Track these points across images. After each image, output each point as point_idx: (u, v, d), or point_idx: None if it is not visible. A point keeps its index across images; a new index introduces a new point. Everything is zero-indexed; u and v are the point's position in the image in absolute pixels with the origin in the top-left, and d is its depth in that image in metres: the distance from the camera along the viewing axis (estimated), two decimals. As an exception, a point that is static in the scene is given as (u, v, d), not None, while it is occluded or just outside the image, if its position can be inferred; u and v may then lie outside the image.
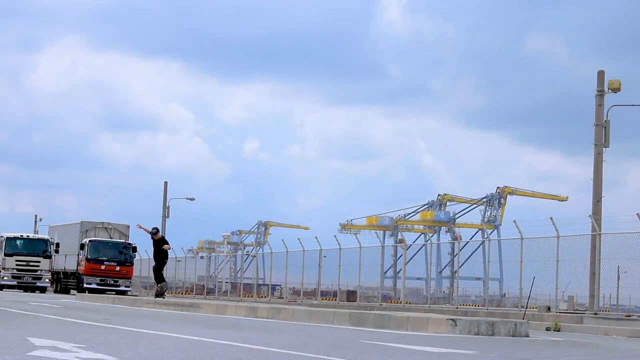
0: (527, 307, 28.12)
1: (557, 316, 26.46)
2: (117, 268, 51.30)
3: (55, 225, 64.21)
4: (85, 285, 50.07)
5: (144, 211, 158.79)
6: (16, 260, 50.46)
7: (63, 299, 35.57)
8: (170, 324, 14.45)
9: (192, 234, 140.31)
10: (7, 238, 51.20)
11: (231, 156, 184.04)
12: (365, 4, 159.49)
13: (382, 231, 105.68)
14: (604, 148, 32.59)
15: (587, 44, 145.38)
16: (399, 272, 66.69)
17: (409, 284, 48.67)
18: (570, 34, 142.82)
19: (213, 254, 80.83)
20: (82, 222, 56.50)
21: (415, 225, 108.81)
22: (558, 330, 23.06)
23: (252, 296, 52.67)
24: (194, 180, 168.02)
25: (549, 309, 29.02)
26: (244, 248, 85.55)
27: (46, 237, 54.42)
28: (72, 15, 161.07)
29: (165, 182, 66.11)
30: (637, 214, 26.02)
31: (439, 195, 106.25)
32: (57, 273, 58.82)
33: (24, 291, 50.74)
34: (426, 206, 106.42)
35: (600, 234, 28.90)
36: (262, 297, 52.84)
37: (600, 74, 33.28)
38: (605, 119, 32.85)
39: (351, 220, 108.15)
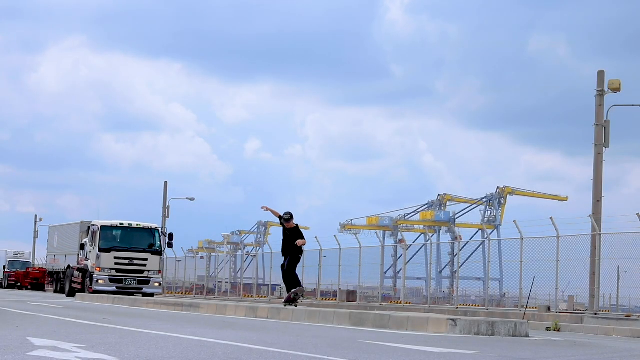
0: (527, 307, 28.11)
1: (557, 316, 26.45)
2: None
3: (55, 225, 64.21)
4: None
5: (145, 211, 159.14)
6: (115, 258, 37.42)
7: (63, 299, 35.58)
8: (170, 324, 14.44)
9: (192, 234, 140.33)
10: (103, 227, 38.11)
11: (232, 156, 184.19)
12: (367, 5, 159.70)
13: (382, 231, 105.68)
14: (604, 148, 32.59)
15: (588, 44, 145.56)
16: (399, 272, 66.71)
17: (409, 284, 48.59)
18: (571, 34, 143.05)
19: (213, 254, 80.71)
20: (82, 222, 56.41)
21: (415, 225, 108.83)
22: (558, 330, 23.05)
23: (252, 296, 52.66)
24: (195, 180, 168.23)
25: (549, 309, 29.02)
26: (244, 248, 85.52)
27: (155, 225, 39.41)
28: (74, 16, 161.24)
29: (165, 182, 66.13)
30: (637, 214, 26.01)
31: (439, 195, 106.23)
32: (57, 273, 58.80)
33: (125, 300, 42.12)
34: (426, 206, 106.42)
35: (600, 234, 28.90)
36: (262, 297, 52.82)
37: (600, 74, 33.27)
38: (605, 119, 32.85)
39: (351, 220, 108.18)
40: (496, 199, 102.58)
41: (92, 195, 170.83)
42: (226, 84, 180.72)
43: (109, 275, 36.89)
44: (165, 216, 65.16)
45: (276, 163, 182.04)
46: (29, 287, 66.22)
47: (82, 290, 37.87)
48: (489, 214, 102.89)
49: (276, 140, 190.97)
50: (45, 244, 66.85)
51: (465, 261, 46.79)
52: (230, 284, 66.43)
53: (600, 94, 32.94)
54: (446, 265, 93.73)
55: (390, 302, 45.50)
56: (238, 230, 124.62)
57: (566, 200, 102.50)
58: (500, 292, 54.09)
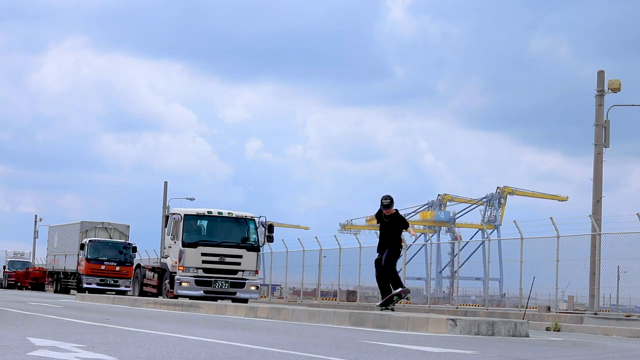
0: (527, 307, 28.13)
1: (557, 316, 26.46)
2: (117, 268, 51.29)
3: (56, 225, 64.27)
4: (85, 285, 50.07)
5: (146, 211, 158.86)
6: (203, 255, 29.53)
7: (63, 299, 35.59)
8: (170, 324, 14.44)
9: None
10: (187, 216, 29.72)
11: (233, 156, 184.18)
12: (369, 5, 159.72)
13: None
14: (604, 148, 32.61)
15: (590, 44, 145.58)
16: (399, 272, 66.69)
17: (409, 284, 48.56)
18: (573, 34, 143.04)
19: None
20: (82, 222, 56.54)
21: (415, 225, 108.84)
22: (558, 330, 23.05)
23: (252, 296, 52.60)
24: (196, 180, 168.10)
25: (549, 309, 29.03)
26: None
27: (250, 214, 30.63)
28: (75, 16, 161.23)
29: (165, 182, 66.19)
30: (637, 214, 26.03)
31: (439, 195, 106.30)
32: (57, 273, 58.88)
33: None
34: (426, 206, 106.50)
35: (600, 234, 28.92)
36: (262, 297, 52.83)
37: (600, 74, 33.28)
38: (605, 119, 32.86)
39: (351, 220, 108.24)
40: (496, 199, 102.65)
41: (93, 195, 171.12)
42: (227, 84, 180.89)
43: (194, 277, 29.09)
44: (165, 216, 65.20)
45: (277, 163, 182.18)
46: (29, 287, 66.27)
47: (157, 295, 30.55)
48: (489, 214, 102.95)
49: (277, 140, 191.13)
50: (45, 244, 66.98)
51: (465, 261, 46.82)
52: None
53: (600, 94, 32.96)
54: (446, 265, 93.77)
55: (390, 302, 45.45)
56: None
57: (566, 200, 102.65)
58: (500, 292, 54.13)
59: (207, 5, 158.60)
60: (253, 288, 30.00)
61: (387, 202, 17.19)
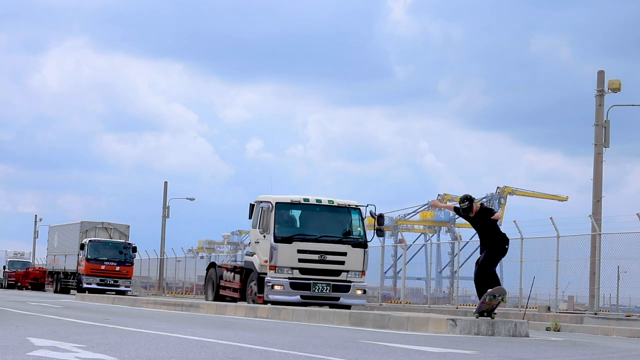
0: (527, 307, 28.12)
1: (557, 316, 26.46)
2: (117, 268, 51.28)
3: (56, 225, 64.27)
4: (85, 285, 50.05)
5: (146, 211, 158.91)
6: (299, 252, 24.35)
7: (63, 299, 35.59)
8: (170, 324, 14.45)
9: (192, 234, 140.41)
10: (280, 205, 24.79)
11: (234, 156, 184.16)
12: (370, 5, 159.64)
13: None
14: (604, 148, 32.61)
15: (591, 45, 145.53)
16: (399, 272, 66.67)
17: (409, 284, 48.54)
18: (574, 35, 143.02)
19: (213, 254, 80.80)
20: (82, 222, 56.54)
21: (415, 225, 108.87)
22: (558, 330, 23.06)
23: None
24: (197, 180, 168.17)
25: (549, 309, 29.03)
26: (244, 248, 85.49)
27: (354, 203, 25.60)
28: (76, 17, 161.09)
29: (165, 182, 66.15)
30: (637, 214, 26.03)
31: (439, 195, 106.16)
32: (57, 273, 58.87)
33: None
34: (426, 206, 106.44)
35: (600, 234, 28.92)
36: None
37: (600, 74, 33.27)
38: (605, 119, 32.86)
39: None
40: (496, 199, 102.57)
41: (93, 195, 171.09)
42: (228, 84, 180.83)
43: (289, 278, 24.12)
44: (165, 216, 65.25)
45: (277, 163, 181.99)
46: (29, 287, 66.28)
47: (239, 300, 25.74)
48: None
49: (278, 140, 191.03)
50: (45, 244, 66.98)
51: (465, 261, 46.76)
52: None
53: (600, 94, 32.95)
54: (446, 265, 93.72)
55: (390, 302, 45.50)
56: (238, 230, 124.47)
57: (566, 200, 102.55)
58: (500, 292, 54.13)
59: (208, 6, 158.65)
60: (359, 292, 25.12)
61: (465, 205, 15.18)
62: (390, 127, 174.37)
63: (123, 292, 48.79)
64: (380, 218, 25.36)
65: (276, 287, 23.95)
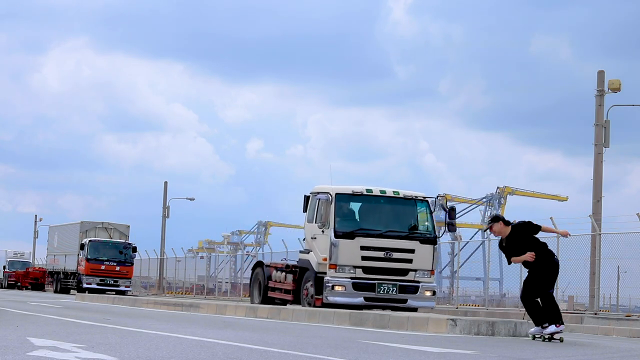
0: (527, 307, 28.09)
1: (557, 316, 26.44)
2: (117, 268, 51.31)
3: (56, 225, 64.29)
4: (85, 285, 50.07)
5: (146, 211, 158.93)
6: (362, 249, 21.85)
7: (63, 299, 35.59)
8: (170, 324, 14.45)
9: (192, 234, 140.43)
10: (340, 196, 22.09)
11: (234, 156, 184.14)
12: (370, 6, 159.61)
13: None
14: (604, 148, 32.62)
15: (591, 45, 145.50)
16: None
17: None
18: (574, 35, 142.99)
19: (213, 254, 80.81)
20: (82, 222, 56.56)
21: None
22: (558, 330, 23.02)
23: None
24: (197, 180, 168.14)
25: (549, 309, 29.02)
26: (244, 248, 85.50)
27: (421, 194, 23.36)
28: (76, 17, 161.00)
29: (165, 182, 66.20)
30: (637, 214, 26.03)
31: (439, 195, 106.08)
32: (57, 273, 58.88)
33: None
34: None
35: (600, 234, 28.93)
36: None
37: (600, 74, 33.28)
38: (605, 119, 32.87)
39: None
40: (496, 199, 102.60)
41: (94, 195, 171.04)
42: (228, 84, 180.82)
43: (351, 278, 21.68)
44: (165, 216, 65.28)
45: (278, 163, 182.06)
46: (29, 287, 66.31)
47: (293, 302, 23.38)
48: (489, 214, 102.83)
49: (278, 140, 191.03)
50: (46, 244, 67.02)
51: (465, 261, 46.80)
52: (230, 284, 66.51)
53: (600, 94, 32.95)
54: (446, 265, 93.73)
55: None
56: (238, 230, 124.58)
57: (566, 200, 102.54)
58: (500, 292, 54.12)
59: (208, 6, 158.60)
60: (428, 294, 22.46)
61: (497, 228, 13.59)
62: (391, 127, 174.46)
63: (123, 292, 48.80)
64: (451, 211, 23.27)
65: (337, 288, 21.67)
